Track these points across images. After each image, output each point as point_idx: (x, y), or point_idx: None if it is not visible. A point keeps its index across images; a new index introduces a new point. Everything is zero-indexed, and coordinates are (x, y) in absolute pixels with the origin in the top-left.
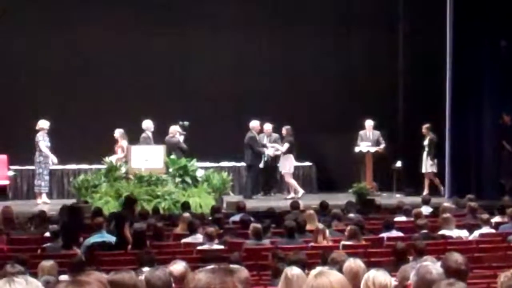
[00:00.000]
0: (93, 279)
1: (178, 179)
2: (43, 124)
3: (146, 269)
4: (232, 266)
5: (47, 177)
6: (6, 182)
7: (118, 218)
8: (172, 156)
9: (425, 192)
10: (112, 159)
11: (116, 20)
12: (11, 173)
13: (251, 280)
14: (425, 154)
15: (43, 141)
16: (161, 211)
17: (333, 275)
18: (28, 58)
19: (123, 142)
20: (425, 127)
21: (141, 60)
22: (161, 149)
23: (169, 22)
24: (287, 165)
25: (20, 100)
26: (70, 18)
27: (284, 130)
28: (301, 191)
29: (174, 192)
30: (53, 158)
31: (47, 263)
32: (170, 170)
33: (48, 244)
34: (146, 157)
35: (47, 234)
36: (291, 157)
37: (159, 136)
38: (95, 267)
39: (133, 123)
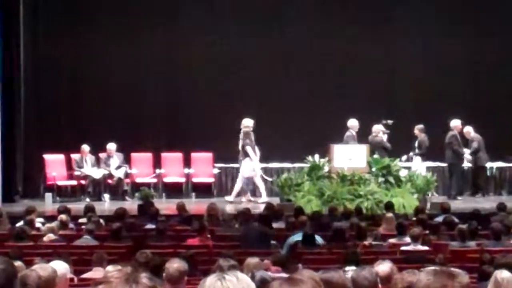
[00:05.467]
0: (306, 277)
1: (381, 179)
2: (248, 122)
3: (349, 267)
4: (454, 269)
5: None
6: (211, 180)
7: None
8: (375, 156)
9: None
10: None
11: (311, 21)
12: (216, 170)
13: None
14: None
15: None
16: (364, 211)
17: None
18: (234, 57)
19: None
20: (417, 128)
21: (339, 59)
22: (364, 148)
23: (366, 22)
24: (246, 169)
25: (226, 99)
26: (272, 19)
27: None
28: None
29: (377, 191)
30: (254, 159)
31: (252, 260)
32: (373, 169)
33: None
34: (350, 156)
35: None
36: (248, 160)
37: (363, 135)
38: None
39: (336, 121)
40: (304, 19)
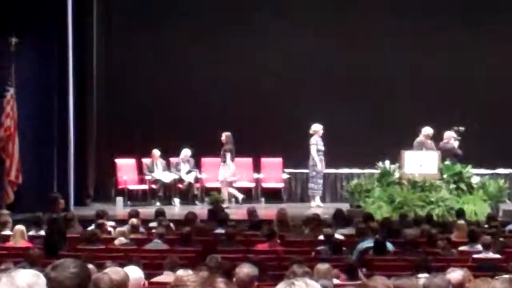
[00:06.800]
0: (379, 283)
1: (452, 186)
2: (317, 128)
3: (421, 275)
4: None
5: (320, 181)
6: (281, 185)
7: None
8: (447, 162)
9: None
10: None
11: (381, 23)
12: (285, 176)
13: None
14: None
15: (315, 145)
16: (435, 218)
17: None
18: (305, 62)
19: None
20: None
21: (411, 63)
22: (435, 154)
23: (440, 24)
24: (222, 174)
25: (295, 104)
26: (341, 23)
27: (223, 137)
28: (239, 197)
29: (448, 198)
30: (319, 166)
31: (322, 266)
32: (445, 176)
33: (322, 247)
34: (421, 163)
35: (321, 237)
36: (230, 165)
37: (434, 141)
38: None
39: (407, 127)
40: (373, 22)
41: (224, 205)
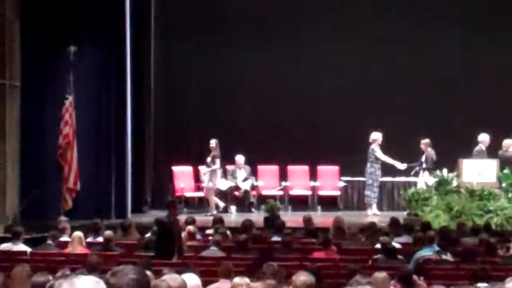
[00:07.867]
0: None
1: (511, 194)
2: (376, 136)
3: (480, 284)
4: None
5: (377, 189)
6: (338, 193)
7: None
8: (506, 171)
9: None
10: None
11: (439, 29)
12: (342, 183)
13: None
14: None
15: (378, 152)
16: (493, 227)
17: None
18: (361, 70)
19: None
20: (423, 143)
21: (469, 71)
22: (494, 163)
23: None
24: (212, 181)
25: (352, 113)
26: (402, 27)
27: (213, 144)
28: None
29: (507, 207)
30: (397, 164)
31: (380, 275)
32: (503, 184)
33: (379, 255)
34: (479, 171)
35: (378, 245)
36: (218, 172)
37: (493, 149)
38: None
39: (464, 135)
40: (432, 26)
41: (210, 213)
